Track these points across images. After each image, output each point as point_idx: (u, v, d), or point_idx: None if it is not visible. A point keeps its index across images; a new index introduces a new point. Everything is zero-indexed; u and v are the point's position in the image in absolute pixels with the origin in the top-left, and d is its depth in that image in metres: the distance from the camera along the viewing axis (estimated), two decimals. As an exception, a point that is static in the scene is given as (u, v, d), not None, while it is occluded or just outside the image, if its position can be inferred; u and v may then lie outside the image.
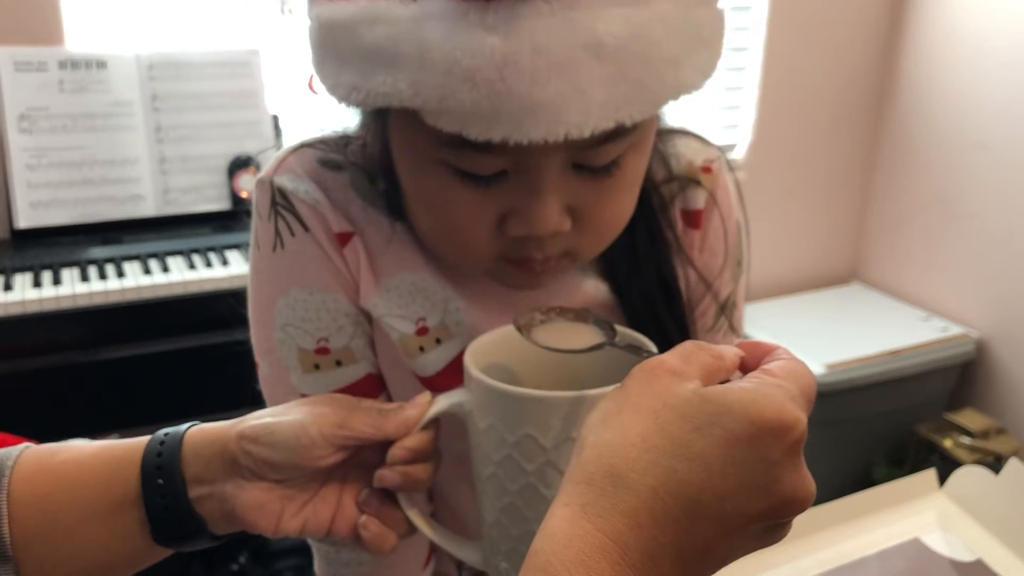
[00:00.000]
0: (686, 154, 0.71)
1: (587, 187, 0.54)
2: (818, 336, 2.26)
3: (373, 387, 0.68)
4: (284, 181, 0.64)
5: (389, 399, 0.69)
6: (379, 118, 0.58)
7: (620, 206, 0.58)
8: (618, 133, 0.52)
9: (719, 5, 0.54)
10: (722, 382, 0.43)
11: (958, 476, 0.96)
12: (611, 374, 0.51)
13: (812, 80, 2.42)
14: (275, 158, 0.66)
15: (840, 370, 2.09)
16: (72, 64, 1.72)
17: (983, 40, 2.20)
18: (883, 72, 2.49)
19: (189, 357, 1.63)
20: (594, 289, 0.68)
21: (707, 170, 0.71)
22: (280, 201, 0.64)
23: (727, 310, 0.73)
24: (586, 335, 0.53)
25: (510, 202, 0.54)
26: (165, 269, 1.62)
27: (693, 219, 0.71)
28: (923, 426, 2.23)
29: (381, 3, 0.48)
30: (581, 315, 0.54)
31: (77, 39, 1.76)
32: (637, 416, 0.40)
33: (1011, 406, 2.24)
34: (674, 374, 0.41)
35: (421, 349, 0.65)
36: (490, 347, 0.57)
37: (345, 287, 0.65)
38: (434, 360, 0.66)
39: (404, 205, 0.62)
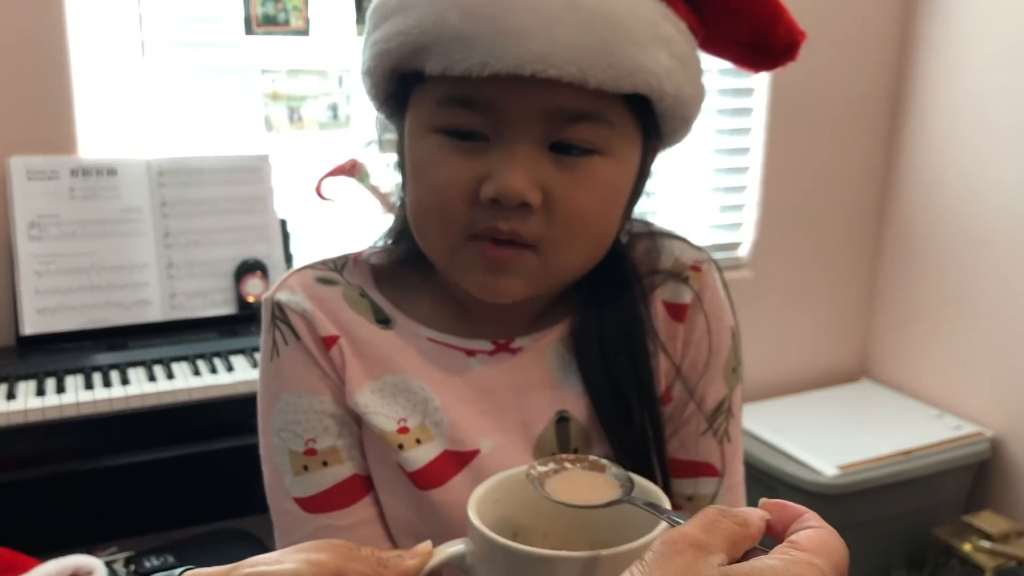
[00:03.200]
0: (674, 252, 0.76)
1: (558, 172, 0.62)
2: (828, 436, 2.22)
3: (359, 488, 0.71)
4: (281, 296, 0.72)
5: (376, 501, 0.72)
6: (400, 107, 0.68)
7: (589, 202, 0.63)
8: (587, 117, 0.61)
9: (686, 31, 0.64)
10: (747, 551, 0.41)
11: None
12: (626, 525, 0.50)
13: (815, 177, 2.45)
14: (279, 280, 0.74)
15: (852, 471, 2.05)
16: (83, 171, 1.75)
17: (986, 137, 2.23)
18: (886, 169, 2.52)
19: (193, 464, 1.60)
20: (569, 386, 0.72)
21: (696, 269, 0.75)
22: (277, 314, 0.72)
23: (721, 416, 0.74)
24: (602, 487, 0.51)
25: (487, 167, 0.61)
26: (170, 375, 1.60)
27: (678, 312, 0.74)
28: (941, 529, 2.17)
29: None
30: (596, 464, 0.53)
31: (90, 146, 1.79)
32: None
33: (1030, 508, 2.19)
34: (698, 548, 0.39)
35: (401, 447, 0.69)
36: (496, 493, 0.55)
37: (331, 389, 0.70)
38: (416, 458, 0.69)
39: (406, 203, 0.69)
